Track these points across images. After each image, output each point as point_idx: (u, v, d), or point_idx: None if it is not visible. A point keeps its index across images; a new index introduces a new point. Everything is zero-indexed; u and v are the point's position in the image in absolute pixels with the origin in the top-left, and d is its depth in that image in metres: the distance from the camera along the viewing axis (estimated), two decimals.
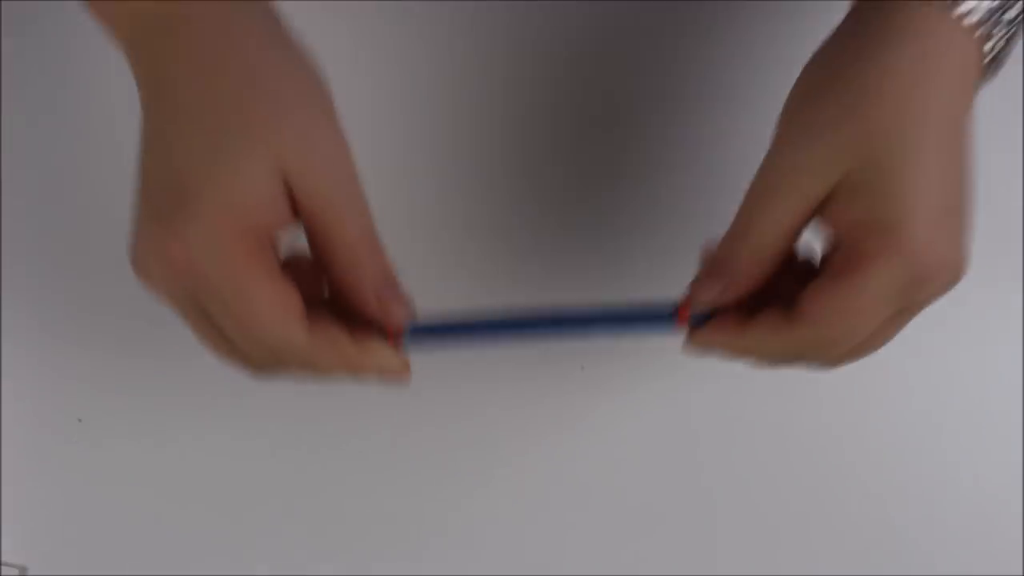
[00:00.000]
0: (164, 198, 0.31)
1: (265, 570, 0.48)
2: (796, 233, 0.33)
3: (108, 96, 0.48)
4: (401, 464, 0.49)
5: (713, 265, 0.34)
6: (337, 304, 0.34)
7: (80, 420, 0.49)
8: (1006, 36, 0.32)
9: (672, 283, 0.37)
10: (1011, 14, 0.32)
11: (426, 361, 0.36)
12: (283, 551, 0.48)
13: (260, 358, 0.33)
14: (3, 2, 0.51)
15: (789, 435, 0.48)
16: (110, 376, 0.50)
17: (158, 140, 0.32)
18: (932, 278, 0.31)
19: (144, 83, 0.32)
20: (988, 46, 0.32)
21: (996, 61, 0.33)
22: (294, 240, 0.34)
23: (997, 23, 0.32)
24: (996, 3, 0.31)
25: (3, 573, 0.48)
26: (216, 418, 0.49)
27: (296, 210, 0.32)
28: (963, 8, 0.31)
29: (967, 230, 0.32)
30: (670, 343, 0.35)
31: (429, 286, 0.36)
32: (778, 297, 0.34)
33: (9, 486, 0.49)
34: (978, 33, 0.32)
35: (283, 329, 0.31)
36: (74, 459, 0.49)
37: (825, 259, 0.34)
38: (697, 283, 0.35)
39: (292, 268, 0.33)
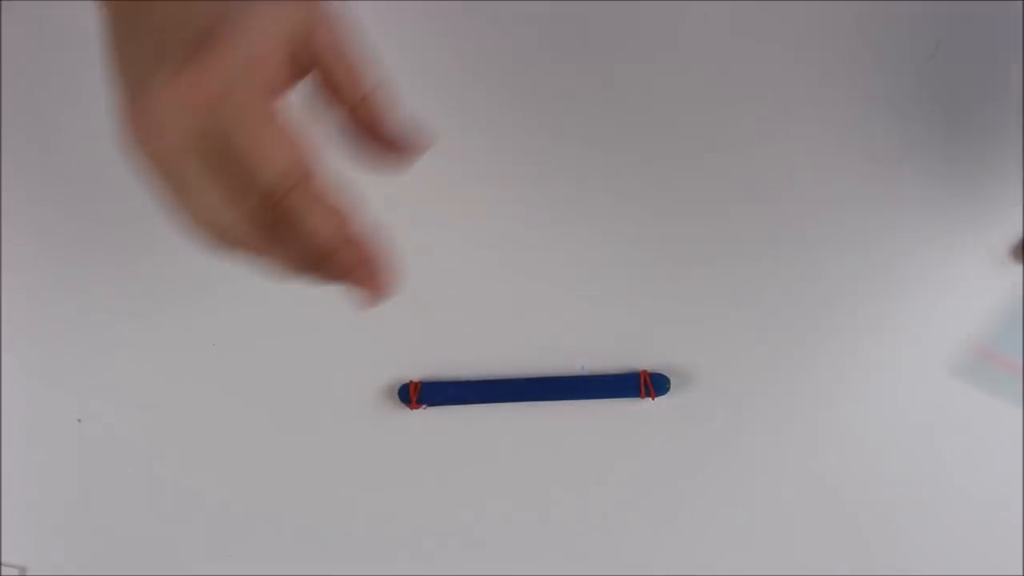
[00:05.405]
0: (185, 42, 0.32)
1: (265, 570, 0.48)
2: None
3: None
4: (400, 463, 0.49)
5: None
6: None
7: (80, 420, 0.49)
8: None
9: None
10: None
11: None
12: (283, 551, 0.48)
13: (247, 210, 0.33)
14: (3, 2, 0.51)
15: (787, 435, 0.48)
16: (110, 376, 0.50)
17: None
18: None
19: None
20: None
21: None
22: None
23: None
24: None
25: (3, 573, 0.48)
26: (216, 418, 0.49)
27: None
28: None
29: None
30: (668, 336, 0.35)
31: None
32: None
33: (9, 486, 0.49)
34: None
35: (297, 150, 0.33)
36: (74, 459, 0.49)
37: None
38: None
39: None
